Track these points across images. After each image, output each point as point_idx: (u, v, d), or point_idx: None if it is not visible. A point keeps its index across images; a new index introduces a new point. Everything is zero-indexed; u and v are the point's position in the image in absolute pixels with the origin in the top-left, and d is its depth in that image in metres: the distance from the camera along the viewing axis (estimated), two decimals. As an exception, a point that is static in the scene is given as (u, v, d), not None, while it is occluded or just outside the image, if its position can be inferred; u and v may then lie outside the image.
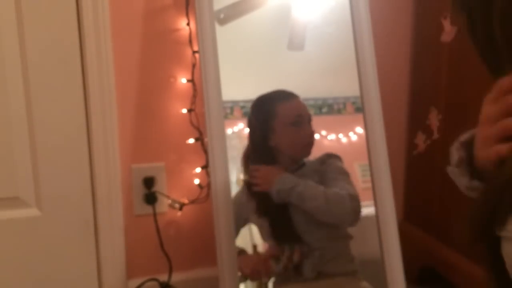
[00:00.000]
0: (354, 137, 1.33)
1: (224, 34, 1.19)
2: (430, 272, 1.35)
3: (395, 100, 1.46)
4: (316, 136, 1.25)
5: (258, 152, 1.21)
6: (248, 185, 1.20)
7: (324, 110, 1.34)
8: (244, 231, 1.21)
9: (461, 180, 0.58)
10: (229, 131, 1.22)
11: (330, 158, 1.23)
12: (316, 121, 1.25)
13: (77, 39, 1.16)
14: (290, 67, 1.31)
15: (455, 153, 0.59)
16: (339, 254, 1.18)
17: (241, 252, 1.19)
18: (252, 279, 1.18)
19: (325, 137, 1.34)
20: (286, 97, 1.22)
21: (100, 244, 1.21)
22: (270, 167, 1.18)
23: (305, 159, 1.22)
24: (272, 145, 1.20)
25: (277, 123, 1.20)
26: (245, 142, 1.23)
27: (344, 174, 1.20)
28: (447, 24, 1.26)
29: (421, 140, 1.40)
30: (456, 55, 1.25)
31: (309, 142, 1.22)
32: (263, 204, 1.18)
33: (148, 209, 1.25)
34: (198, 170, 1.28)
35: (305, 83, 1.31)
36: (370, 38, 1.22)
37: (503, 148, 0.45)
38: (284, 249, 1.16)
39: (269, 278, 1.19)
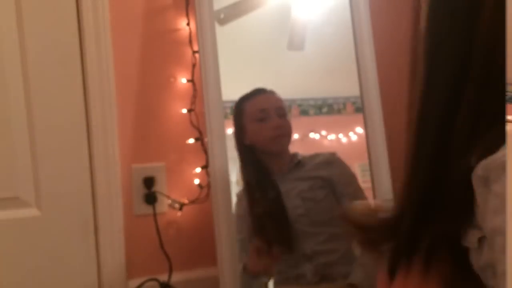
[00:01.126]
0: (354, 137, 1.33)
1: (224, 34, 1.19)
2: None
3: (395, 100, 1.45)
4: (313, 136, 1.25)
5: (239, 153, 1.22)
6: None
7: (324, 110, 1.34)
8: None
9: None
10: (229, 131, 1.22)
11: (337, 160, 1.21)
12: (316, 121, 1.25)
13: (77, 39, 1.16)
14: (290, 67, 1.31)
15: None
16: (341, 258, 1.18)
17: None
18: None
19: (325, 137, 1.34)
20: (253, 94, 1.22)
21: (100, 244, 1.21)
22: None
23: (301, 157, 1.21)
24: (247, 144, 1.20)
25: (245, 121, 1.21)
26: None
27: (361, 192, 1.20)
28: (447, 24, 1.26)
29: (421, 140, 1.40)
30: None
31: (278, 134, 1.20)
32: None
33: (148, 209, 1.25)
34: (198, 170, 1.28)
35: (305, 83, 1.31)
36: (370, 38, 1.22)
37: None
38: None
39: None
